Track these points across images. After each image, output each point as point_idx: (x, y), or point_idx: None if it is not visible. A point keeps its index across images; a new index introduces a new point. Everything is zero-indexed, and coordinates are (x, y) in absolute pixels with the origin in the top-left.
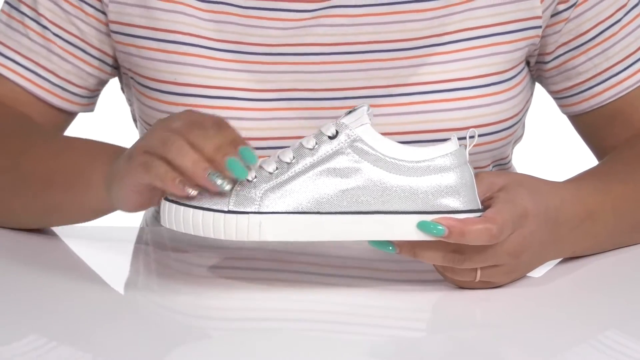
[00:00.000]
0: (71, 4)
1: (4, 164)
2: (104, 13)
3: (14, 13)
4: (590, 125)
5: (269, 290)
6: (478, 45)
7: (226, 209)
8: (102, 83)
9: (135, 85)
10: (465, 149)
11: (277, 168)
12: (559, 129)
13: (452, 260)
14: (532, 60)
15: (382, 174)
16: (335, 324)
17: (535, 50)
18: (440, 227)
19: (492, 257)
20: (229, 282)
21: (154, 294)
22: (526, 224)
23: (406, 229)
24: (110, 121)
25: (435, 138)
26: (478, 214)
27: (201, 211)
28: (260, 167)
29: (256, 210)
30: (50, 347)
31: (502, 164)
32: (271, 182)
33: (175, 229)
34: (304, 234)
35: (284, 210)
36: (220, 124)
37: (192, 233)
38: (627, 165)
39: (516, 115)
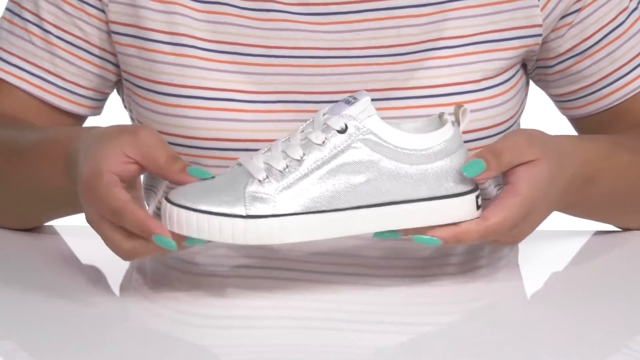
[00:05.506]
0: (73, 5)
1: None
2: (104, 12)
3: (16, 20)
4: (593, 127)
5: (269, 288)
6: (473, 51)
7: (244, 214)
8: (109, 84)
9: (131, 87)
10: (458, 126)
11: (287, 166)
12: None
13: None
14: (530, 65)
15: (395, 165)
16: (338, 321)
17: (533, 55)
18: (435, 239)
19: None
20: (228, 280)
21: (149, 291)
22: (528, 218)
23: (421, 216)
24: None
25: None
26: (477, 192)
27: (217, 217)
28: (268, 164)
29: (274, 213)
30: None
31: None
32: (284, 181)
33: (185, 233)
34: (323, 232)
35: (302, 211)
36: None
37: (207, 239)
38: (637, 140)
39: (511, 118)
